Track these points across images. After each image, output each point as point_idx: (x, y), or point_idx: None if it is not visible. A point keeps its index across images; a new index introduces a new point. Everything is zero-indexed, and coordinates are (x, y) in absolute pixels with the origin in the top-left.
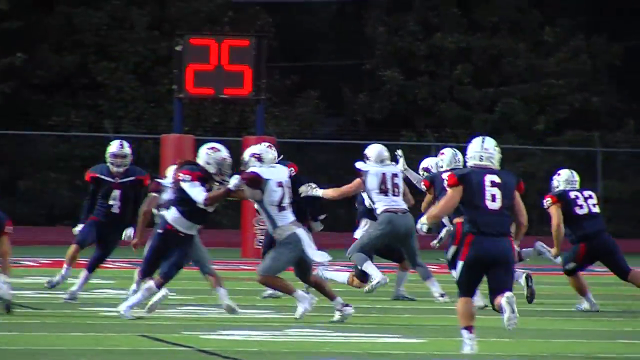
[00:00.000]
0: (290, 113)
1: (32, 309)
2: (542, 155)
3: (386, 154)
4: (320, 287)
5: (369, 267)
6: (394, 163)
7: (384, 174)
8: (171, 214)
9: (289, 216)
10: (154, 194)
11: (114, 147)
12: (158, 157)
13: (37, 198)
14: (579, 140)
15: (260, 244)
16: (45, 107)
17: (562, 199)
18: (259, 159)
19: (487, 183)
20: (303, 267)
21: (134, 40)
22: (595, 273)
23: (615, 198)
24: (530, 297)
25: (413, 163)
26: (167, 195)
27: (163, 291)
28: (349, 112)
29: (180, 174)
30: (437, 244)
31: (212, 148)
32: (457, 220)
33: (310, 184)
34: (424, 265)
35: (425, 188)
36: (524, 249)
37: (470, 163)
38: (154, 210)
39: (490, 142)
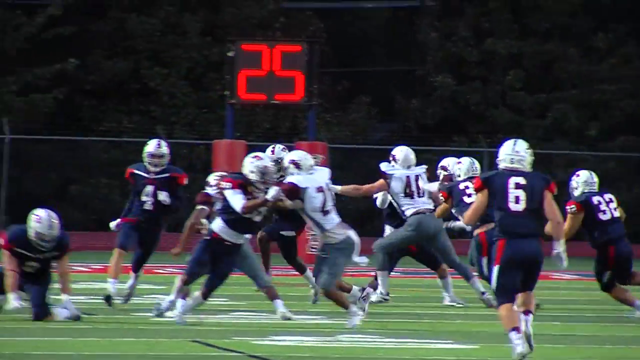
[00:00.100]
0: (342, 119)
1: (84, 315)
2: (594, 161)
3: (413, 157)
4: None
5: (384, 278)
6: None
7: (408, 177)
8: (217, 223)
9: (335, 218)
10: (201, 207)
11: (151, 146)
12: (210, 163)
13: (89, 203)
14: (631, 146)
15: (313, 250)
16: (97, 113)
17: (587, 206)
18: (297, 165)
19: (511, 185)
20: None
21: (186, 46)
22: None
23: None
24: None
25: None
26: (218, 206)
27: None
28: (401, 117)
29: (223, 182)
30: (450, 226)
31: (256, 156)
32: (478, 231)
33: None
34: (462, 264)
35: (443, 199)
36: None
37: (501, 165)
38: (204, 221)
39: (521, 145)
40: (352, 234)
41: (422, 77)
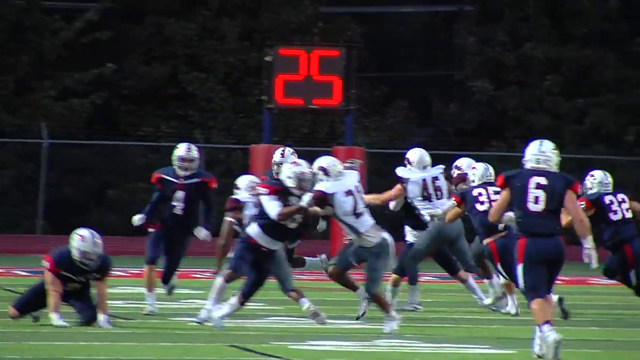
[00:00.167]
0: (380, 123)
1: (122, 319)
2: (631, 167)
3: (428, 159)
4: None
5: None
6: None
7: (424, 180)
8: (253, 227)
9: (368, 220)
10: (229, 220)
11: (181, 150)
12: (247, 168)
13: (126, 208)
14: None
15: None
16: (134, 118)
17: (597, 204)
18: (325, 172)
19: (532, 185)
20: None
21: (224, 50)
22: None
23: None
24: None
25: None
26: (248, 210)
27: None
28: (438, 122)
29: (259, 188)
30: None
31: (293, 162)
32: (488, 240)
33: None
34: (476, 267)
35: (456, 203)
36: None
37: (527, 165)
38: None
39: (548, 145)
40: (387, 236)
41: (460, 81)
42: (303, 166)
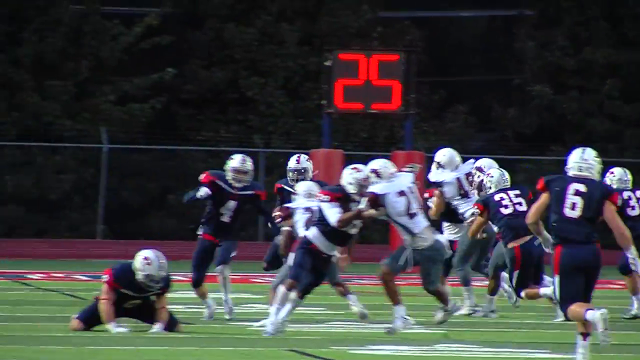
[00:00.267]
0: (440, 128)
1: (182, 324)
2: None
3: (458, 158)
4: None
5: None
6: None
7: (458, 179)
8: (312, 233)
9: (422, 221)
10: (286, 229)
11: (236, 162)
12: None
13: (186, 213)
14: None
15: None
16: (194, 122)
17: None
18: (377, 174)
19: (571, 191)
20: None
21: (284, 55)
22: None
23: None
24: None
25: None
26: (298, 215)
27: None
28: (498, 127)
29: (321, 194)
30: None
31: (354, 168)
32: (512, 244)
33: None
34: (483, 272)
35: (479, 211)
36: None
37: (570, 173)
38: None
39: (590, 153)
40: (441, 237)
41: (519, 86)
42: (364, 172)
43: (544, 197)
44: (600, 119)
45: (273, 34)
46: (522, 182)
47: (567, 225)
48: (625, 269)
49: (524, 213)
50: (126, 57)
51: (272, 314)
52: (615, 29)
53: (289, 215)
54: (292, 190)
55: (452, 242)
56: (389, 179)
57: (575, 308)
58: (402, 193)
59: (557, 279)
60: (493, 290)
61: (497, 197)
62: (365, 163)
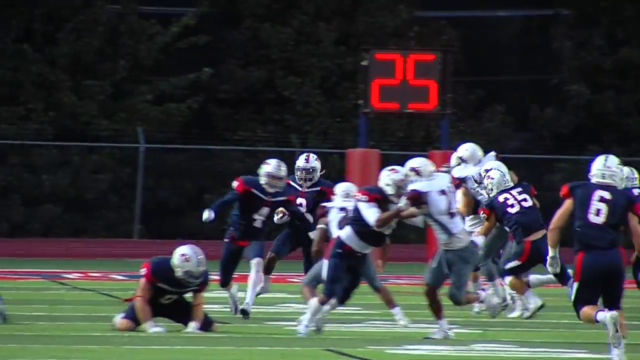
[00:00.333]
0: (476, 128)
1: (219, 323)
2: None
3: (480, 152)
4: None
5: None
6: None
7: (479, 173)
8: (346, 233)
9: (460, 223)
10: (321, 227)
11: (271, 167)
12: (344, 172)
13: (223, 212)
14: None
15: None
16: (231, 122)
17: None
18: (417, 172)
19: (595, 197)
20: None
21: (320, 55)
22: None
23: None
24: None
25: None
26: (332, 214)
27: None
28: (535, 126)
29: (359, 194)
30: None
31: (392, 169)
32: (526, 239)
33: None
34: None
35: (485, 216)
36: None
37: (593, 180)
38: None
39: (612, 161)
40: (476, 240)
41: (556, 86)
42: (401, 173)
43: (567, 203)
44: (637, 118)
45: (310, 34)
46: (559, 182)
47: (591, 231)
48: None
49: (532, 208)
50: (163, 56)
51: (305, 318)
52: None
53: (324, 213)
54: (297, 188)
55: (522, 254)
56: (428, 177)
57: (587, 310)
58: (443, 192)
59: (576, 285)
60: (521, 288)
61: (501, 199)
62: (401, 163)
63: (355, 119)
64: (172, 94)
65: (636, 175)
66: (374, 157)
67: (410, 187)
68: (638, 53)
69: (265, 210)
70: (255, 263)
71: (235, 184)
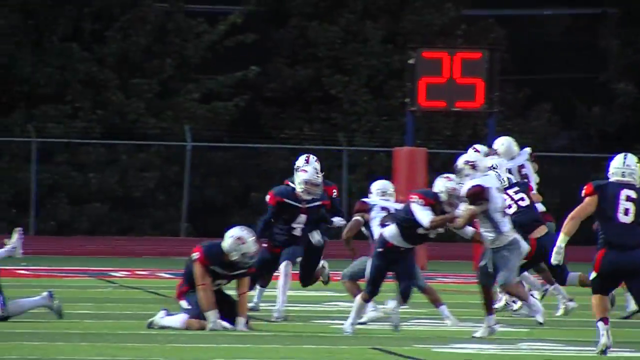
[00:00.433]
0: (523, 126)
1: (264, 322)
2: None
3: (515, 148)
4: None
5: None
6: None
7: (509, 169)
8: (390, 231)
9: (508, 221)
10: (357, 218)
11: (309, 174)
12: (390, 170)
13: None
14: None
15: None
16: (278, 120)
17: None
18: (474, 166)
19: (623, 197)
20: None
21: (367, 53)
22: None
23: None
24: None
25: None
26: (374, 212)
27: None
28: (581, 125)
29: (414, 196)
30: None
31: (447, 177)
32: (530, 236)
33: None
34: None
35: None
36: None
37: (612, 179)
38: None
39: (631, 159)
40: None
41: (603, 84)
42: (455, 182)
43: (590, 201)
44: None
45: (357, 32)
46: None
47: (620, 230)
48: None
49: (529, 206)
50: (210, 55)
51: (350, 316)
52: None
53: (365, 209)
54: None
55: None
56: (484, 172)
57: (595, 303)
58: (498, 189)
59: (593, 275)
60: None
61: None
62: (448, 162)
63: (402, 117)
64: (219, 92)
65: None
66: (420, 155)
67: (473, 182)
68: None
69: (302, 217)
70: (284, 266)
71: (267, 197)
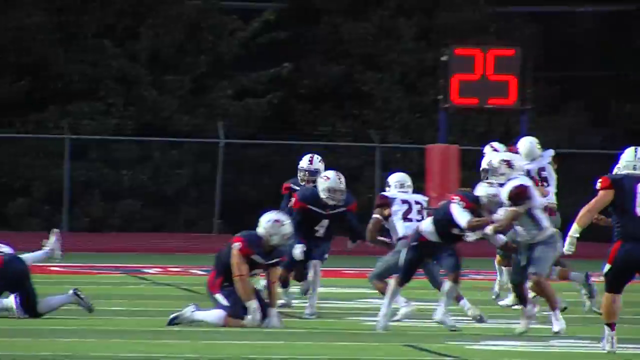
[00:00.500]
0: (556, 123)
1: (297, 319)
2: None
3: (537, 150)
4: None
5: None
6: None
7: (528, 171)
8: (426, 226)
9: (546, 217)
10: (376, 216)
11: (331, 181)
12: (423, 167)
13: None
14: None
15: None
16: (311, 117)
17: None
18: (510, 165)
19: (639, 190)
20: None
21: (400, 50)
22: None
23: None
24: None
25: None
26: (396, 206)
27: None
28: (615, 122)
29: (456, 197)
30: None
31: (489, 183)
32: None
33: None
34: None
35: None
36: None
37: (623, 172)
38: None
39: None
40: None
41: (636, 81)
42: (496, 189)
43: (606, 195)
44: None
45: (390, 29)
46: None
47: (637, 223)
48: None
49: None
50: (243, 51)
51: (384, 305)
52: None
53: (386, 203)
54: (298, 189)
55: None
56: (519, 171)
57: (606, 304)
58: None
59: (607, 267)
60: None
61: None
62: (481, 159)
63: (434, 114)
64: (252, 89)
65: None
66: (453, 152)
67: (514, 183)
68: None
69: (326, 221)
70: (314, 265)
71: (292, 201)
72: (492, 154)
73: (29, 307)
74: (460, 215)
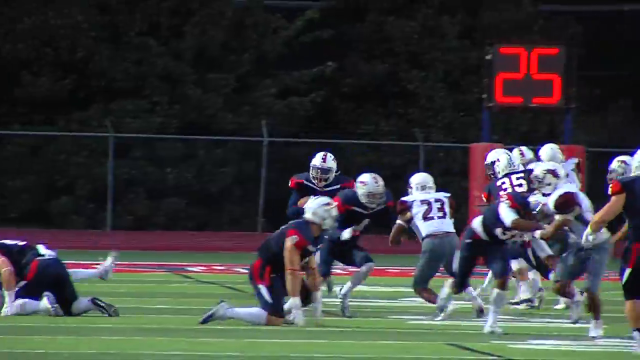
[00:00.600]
0: (601, 122)
1: (337, 317)
2: None
3: (560, 156)
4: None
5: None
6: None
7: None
8: (477, 224)
9: None
10: (399, 223)
11: (370, 186)
12: (467, 167)
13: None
14: None
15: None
16: (354, 116)
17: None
18: (555, 174)
19: None
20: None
21: (444, 49)
22: None
23: None
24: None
25: None
26: (415, 208)
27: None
28: None
29: (504, 196)
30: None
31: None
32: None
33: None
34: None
35: (485, 199)
36: None
37: (634, 173)
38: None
39: None
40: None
41: None
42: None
43: (618, 200)
44: None
45: (434, 28)
46: None
47: None
48: None
49: (523, 193)
50: (287, 50)
51: (490, 317)
52: None
53: (406, 208)
54: (313, 186)
55: None
56: (564, 179)
57: (629, 309)
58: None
59: (628, 271)
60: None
61: (498, 183)
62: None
63: (478, 113)
64: (296, 87)
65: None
66: None
67: (560, 191)
68: None
69: (366, 220)
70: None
71: (334, 204)
72: (534, 165)
73: (65, 308)
74: (506, 214)
